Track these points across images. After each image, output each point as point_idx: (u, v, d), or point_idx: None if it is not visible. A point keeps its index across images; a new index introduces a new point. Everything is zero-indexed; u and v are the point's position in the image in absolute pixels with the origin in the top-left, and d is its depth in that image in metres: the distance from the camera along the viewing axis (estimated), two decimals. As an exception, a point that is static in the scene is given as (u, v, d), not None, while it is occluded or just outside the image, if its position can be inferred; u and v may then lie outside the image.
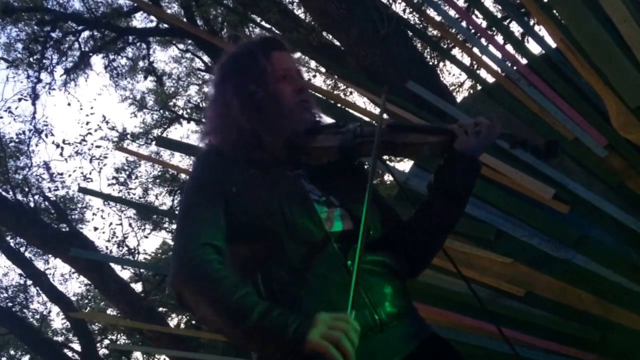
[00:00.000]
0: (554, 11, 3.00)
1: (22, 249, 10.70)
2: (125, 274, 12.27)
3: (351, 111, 3.62)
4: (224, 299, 1.37)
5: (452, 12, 3.87)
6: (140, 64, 12.32)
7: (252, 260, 1.52)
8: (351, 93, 8.97)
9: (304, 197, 1.56)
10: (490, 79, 3.57)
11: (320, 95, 3.53)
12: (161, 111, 13.60)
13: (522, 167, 3.12)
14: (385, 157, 2.08)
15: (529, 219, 3.11)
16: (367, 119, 3.51)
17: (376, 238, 1.56)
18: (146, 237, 12.25)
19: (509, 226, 3.13)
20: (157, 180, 12.79)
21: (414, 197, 1.83)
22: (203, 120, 1.81)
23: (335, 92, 8.86)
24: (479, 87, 4.03)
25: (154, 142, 13.22)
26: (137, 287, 12.06)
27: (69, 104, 13.16)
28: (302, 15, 7.72)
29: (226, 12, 8.71)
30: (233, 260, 1.54)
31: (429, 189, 1.66)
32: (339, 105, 3.75)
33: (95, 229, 11.32)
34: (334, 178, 1.63)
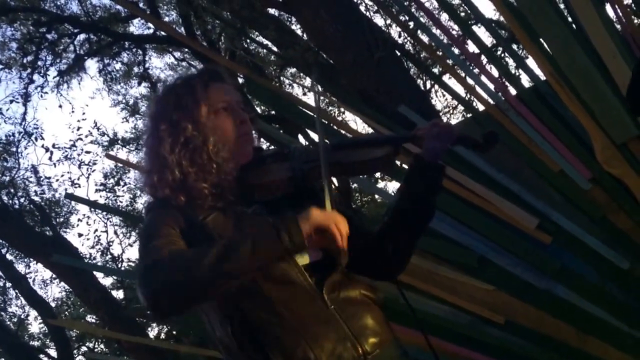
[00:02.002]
0: (544, 44, 3.05)
1: (3, 251, 10.61)
2: (107, 280, 12.18)
3: (342, 131, 3.64)
4: (198, 257, 1.34)
5: (445, 39, 3.93)
6: (135, 69, 12.32)
7: (228, 302, 1.48)
8: (343, 112, 9.04)
9: None
10: (481, 107, 3.61)
11: (311, 113, 3.54)
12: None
13: (508, 195, 3.16)
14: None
15: (512, 247, 3.13)
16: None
17: (349, 264, 1.54)
18: (131, 245, 12.19)
19: (493, 254, 3.16)
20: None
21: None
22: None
23: (330, 110, 8.93)
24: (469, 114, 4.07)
25: (144, 149, 13.17)
26: (119, 294, 11.99)
27: (60, 106, 13.11)
28: (299, 31, 7.77)
29: (224, 25, 8.75)
30: (210, 304, 1.51)
31: (398, 194, 1.67)
32: (331, 124, 3.78)
33: (80, 235, 11.24)
34: (292, 207, 1.53)
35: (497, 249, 3.14)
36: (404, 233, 1.66)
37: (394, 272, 1.73)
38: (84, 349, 12.73)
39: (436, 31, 3.89)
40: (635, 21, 3.59)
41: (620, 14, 3.25)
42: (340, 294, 1.51)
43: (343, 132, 3.60)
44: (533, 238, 3.09)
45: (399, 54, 5.20)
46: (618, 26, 3.24)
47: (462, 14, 7.18)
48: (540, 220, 3.07)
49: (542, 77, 3.27)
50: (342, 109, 8.60)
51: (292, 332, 1.44)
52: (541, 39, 3.07)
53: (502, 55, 7.47)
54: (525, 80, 3.98)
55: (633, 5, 3.68)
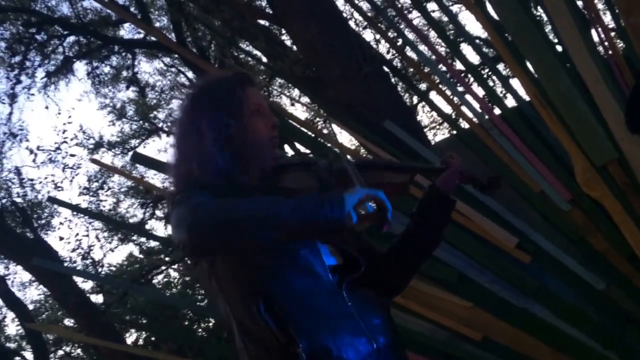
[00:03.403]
0: (529, 66, 3.10)
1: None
2: (87, 284, 12.08)
3: (328, 144, 3.67)
4: (241, 203, 1.43)
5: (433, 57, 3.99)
6: (124, 73, 12.30)
7: (256, 282, 1.55)
8: (330, 124, 9.08)
9: None
10: (465, 125, 3.66)
11: (297, 125, 3.57)
12: (141, 122, 13.55)
13: (489, 214, 3.19)
14: None
15: (491, 265, 3.16)
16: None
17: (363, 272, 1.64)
18: (112, 250, 12.12)
19: (472, 271, 3.18)
20: (130, 191, 12.69)
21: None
22: (172, 148, 1.77)
23: (316, 122, 8.96)
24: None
25: (129, 153, 13.16)
26: (98, 298, 11.90)
27: (46, 107, 13.04)
28: (288, 42, 7.82)
29: (214, 33, 8.78)
30: (238, 280, 1.57)
31: (411, 220, 1.77)
32: (315, 136, 3.80)
33: (61, 238, 11.15)
34: None
35: (476, 266, 3.17)
36: (412, 256, 1.79)
37: (395, 291, 1.82)
38: (60, 352, 12.61)
39: (424, 48, 3.94)
40: (619, 45, 3.65)
41: (604, 38, 3.31)
42: (357, 293, 1.60)
43: (328, 144, 3.63)
44: (512, 257, 3.13)
45: (386, 70, 5.23)
46: (601, 48, 3.29)
47: (451, 32, 7.26)
48: (520, 240, 3.12)
49: (527, 99, 3.31)
50: (327, 122, 8.65)
51: (313, 321, 1.52)
52: (526, 61, 3.12)
53: (488, 74, 7.56)
54: (510, 101, 4.03)
55: (615, 27, 3.74)
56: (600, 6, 5.51)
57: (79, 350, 12.71)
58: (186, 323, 12.05)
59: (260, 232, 1.41)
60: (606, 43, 3.27)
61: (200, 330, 12.38)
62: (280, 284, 1.53)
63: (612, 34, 4.16)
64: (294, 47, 6.09)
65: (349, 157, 1.76)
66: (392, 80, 5.82)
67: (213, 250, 1.49)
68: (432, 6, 8.66)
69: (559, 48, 3.16)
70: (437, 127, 12.13)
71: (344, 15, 6.32)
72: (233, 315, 1.59)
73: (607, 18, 5.40)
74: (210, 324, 12.10)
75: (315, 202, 1.43)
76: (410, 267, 1.82)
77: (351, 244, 1.69)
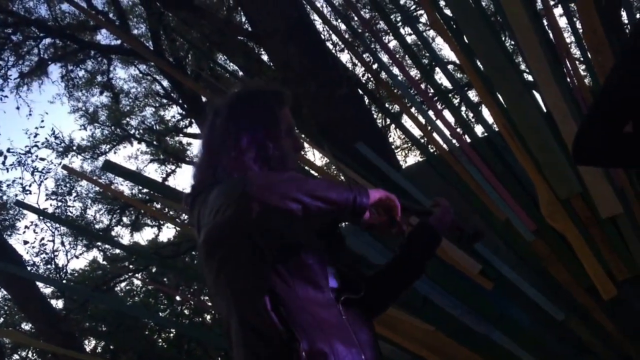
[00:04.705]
0: (499, 97, 3.16)
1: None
2: (47, 289, 11.87)
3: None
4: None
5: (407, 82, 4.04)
6: (99, 78, 12.21)
7: (265, 283, 1.61)
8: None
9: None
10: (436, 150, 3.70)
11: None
12: (113, 128, 13.44)
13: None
14: None
15: (454, 290, 3.20)
16: (314, 173, 3.59)
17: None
18: (77, 257, 11.94)
19: (435, 295, 3.22)
20: (98, 197, 12.55)
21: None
22: (202, 149, 1.83)
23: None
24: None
25: (99, 158, 13.03)
26: (59, 303, 11.70)
27: (18, 108, 12.85)
28: (265, 58, 7.85)
29: (191, 46, 8.77)
30: (249, 277, 1.63)
31: (399, 251, 1.88)
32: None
33: (26, 242, 10.96)
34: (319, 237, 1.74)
35: (440, 290, 3.20)
36: (396, 283, 1.89)
37: (376, 313, 1.88)
38: (16, 357, 12.33)
39: (398, 71, 4.00)
40: (586, 79, 3.74)
41: (572, 73, 3.39)
42: (350, 309, 1.70)
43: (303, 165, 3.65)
44: (475, 283, 3.17)
45: (361, 92, 5.29)
46: (570, 80, 3.37)
47: (426, 57, 7.36)
48: (483, 266, 3.16)
49: (496, 128, 3.38)
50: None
51: (312, 326, 1.59)
52: (497, 93, 3.19)
53: (460, 102, 7.68)
54: (480, 129, 4.10)
55: (583, 59, 3.84)
56: (570, 39, 5.66)
57: (35, 357, 12.46)
58: (147, 333, 11.91)
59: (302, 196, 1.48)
60: (575, 79, 3.35)
61: (160, 341, 12.24)
62: (287, 288, 1.61)
63: (582, 67, 4.27)
64: (271, 65, 6.12)
65: None
66: (366, 102, 5.88)
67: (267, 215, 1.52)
68: (410, 30, 8.78)
69: (529, 77, 3.24)
70: (410, 148, 12.26)
71: (322, 36, 6.38)
72: (236, 310, 1.65)
73: (576, 51, 5.55)
74: (171, 335, 11.98)
75: (345, 187, 1.57)
76: (392, 293, 1.91)
77: (352, 267, 1.81)
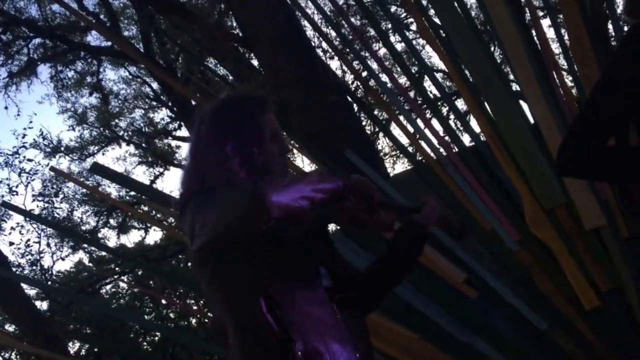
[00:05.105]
0: (487, 107, 3.18)
1: None
2: (31, 290, 11.77)
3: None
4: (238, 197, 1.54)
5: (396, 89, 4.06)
6: (88, 79, 12.16)
7: (260, 285, 1.64)
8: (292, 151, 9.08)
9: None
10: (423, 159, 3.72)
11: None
12: (101, 129, 13.39)
13: (440, 248, 3.24)
14: None
15: (438, 298, 3.21)
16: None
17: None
18: (63, 259, 11.87)
19: (419, 303, 3.23)
20: (85, 198, 12.49)
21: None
22: (189, 157, 1.86)
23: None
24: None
25: (88, 159, 12.98)
26: (43, 304, 11.61)
27: (6, 108, 12.78)
28: (256, 63, 7.86)
29: (182, 49, 8.76)
30: (244, 280, 1.66)
31: (387, 249, 1.89)
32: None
33: (11, 244, 10.88)
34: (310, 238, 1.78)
35: (424, 298, 3.21)
36: (385, 280, 1.90)
37: (368, 310, 1.91)
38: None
39: (387, 79, 4.01)
40: (573, 90, 3.77)
41: (559, 83, 3.42)
42: (343, 308, 1.72)
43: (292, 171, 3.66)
44: (460, 291, 3.18)
45: (350, 99, 5.30)
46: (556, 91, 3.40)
47: (415, 65, 7.38)
48: (468, 275, 3.17)
49: (483, 138, 3.40)
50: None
51: (307, 325, 1.63)
52: (485, 103, 3.21)
53: (448, 111, 7.71)
54: (467, 138, 4.12)
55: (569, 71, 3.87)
56: (557, 50, 5.71)
57: (18, 357, 12.35)
58: (132, 336, 11.84)
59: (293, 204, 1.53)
60: (562, 90, 3.38)
61: (145, 344, 12.18)
62: (281, 289, 1.64)
63: (569, 78, 4.32)
64: (261, 70, 6.13)
65: None
66: (355, 110, 5.89)
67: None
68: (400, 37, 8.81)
69: (517, 87, 3.26)
70: (398, 155, 12.30)
71: (312, 43, 6.39)
72: (231, 312, 1.68)
73: (564, 62, 5.59)
74: (156, 338, 11.92)
75: (329, 175, 1.66)
76: (381, 290, 1.92)
77: (343, 268, 1.84)
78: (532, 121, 3.12)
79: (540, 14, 7.73)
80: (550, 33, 5.48)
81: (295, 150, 4.21)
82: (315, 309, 1.66)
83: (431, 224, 1.89)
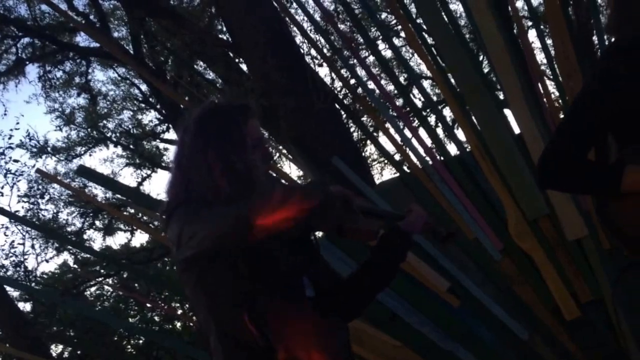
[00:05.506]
0: (473, 118, 3.21)
1: None
2: (15, 292, 11.67)
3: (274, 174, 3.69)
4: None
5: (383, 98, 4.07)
6: (77, 79, 12.10)
7: (245, 296, 1.66)
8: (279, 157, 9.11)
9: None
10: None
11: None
12: (89, 130, 13.32)
13: (423, 256, 3.26)
14: None
15: (422, 306, 3.23)
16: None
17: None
18: (47, 261, 11.77)
19: (403, 311, 3.24)
20: (71, 200, 12.41)
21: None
22: (173, 165, 1.87)
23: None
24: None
25: (74, 160, 12.91)
26: (26, 306, 11.52)
27: (-7, 106, 12.69)
28: (245, 68, 7.86)
29: (171, 53, 8.75)
30: (229, 290, 1.68)
31: (371, 255, 1.90)
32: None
33: (-5, 245, 10.76)
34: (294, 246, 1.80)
35: (407, 306, 3.23)
36: (369, 286, 1.91)
37: (351, 316, 1.92)
38: (-20, 361, 12.08)
39: (374, 87, 4.02)
40: (558, 101, 3.80)
41: (544, 94, 3.45)
42: (327, 316, 1.76)
43: (274, 174, 3.66)
44: (443, 300, 3.20)
45: (338, 107, 5.33)
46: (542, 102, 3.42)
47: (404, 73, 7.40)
48: (451, 284, 3.19)
49: (468, 148, 3.42)
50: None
51: (289, 334, 1.65)
52: (471, 112, 3.23)
53: (436, 121, 7.73)
54: (453, 148, 4.13)
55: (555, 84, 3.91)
56: (543, 60, 5.75)
57: (0, 360, 12.22)
58: (116, 339, 11.77)
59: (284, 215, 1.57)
60: (546, 101, 3.41)
61: (129, 347, 12.10)
62: (264, 298, 1.66)
63: (553, 86, 4.35)
64: (250, 76, 6.14)
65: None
66: (343, 117, 5.92)
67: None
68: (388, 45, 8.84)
69: (501, 96, 3.29)
70: (386, 162, 12.31)
71: (302, 51, 6.42)
72: (215, 319, 1.70)
73: (549, 70, 5.62)
74: (141, 342, 11.85)
75: (313, 185, 1.73)
76: (365, 297, 1.94)
77: (328, 276, 1.87)
78: (517, 131, 3.15)
79: (528, 24, 7.80)
80: (537, 43, 5.53)
81: (282, 156, 4.21)
82: (297, 319, 1.69)
83: (416, 232, 1.90)
